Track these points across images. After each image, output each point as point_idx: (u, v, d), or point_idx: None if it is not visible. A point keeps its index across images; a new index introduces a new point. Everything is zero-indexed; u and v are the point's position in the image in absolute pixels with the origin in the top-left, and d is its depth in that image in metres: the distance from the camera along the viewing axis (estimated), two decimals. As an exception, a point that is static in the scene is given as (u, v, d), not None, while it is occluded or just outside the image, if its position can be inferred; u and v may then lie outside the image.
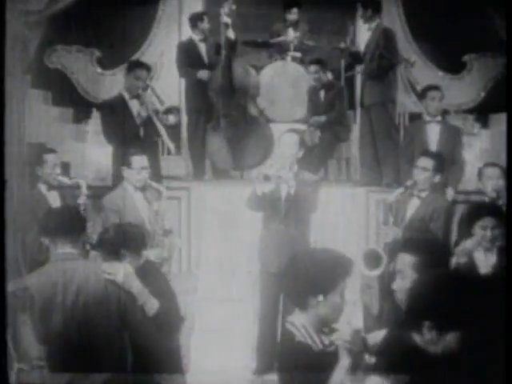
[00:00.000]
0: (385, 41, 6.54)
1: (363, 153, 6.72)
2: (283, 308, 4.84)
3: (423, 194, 5.21)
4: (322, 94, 7.04)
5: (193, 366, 4.77)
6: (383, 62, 6.50)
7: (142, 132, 6.05)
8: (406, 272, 2.83)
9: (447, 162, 6.03)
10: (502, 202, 5.19)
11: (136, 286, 3.29)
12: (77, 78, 7.38)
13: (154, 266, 4.38)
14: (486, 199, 5.30)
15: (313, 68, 7.00)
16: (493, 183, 5.27)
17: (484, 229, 4.39)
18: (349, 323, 2.71)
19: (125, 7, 7.28)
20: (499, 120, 7.06)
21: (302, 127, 6.83)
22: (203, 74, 6.92)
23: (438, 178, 5.25)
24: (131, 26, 7.43)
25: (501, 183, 5.23)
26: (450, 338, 2.39)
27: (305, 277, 2.65)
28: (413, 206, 5.18)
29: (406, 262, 2.85)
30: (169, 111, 6.14)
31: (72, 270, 3.26)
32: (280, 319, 4.99)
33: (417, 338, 2.42)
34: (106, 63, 7.46)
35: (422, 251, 2.88)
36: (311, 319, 2.67)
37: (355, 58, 6.91)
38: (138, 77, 6.16)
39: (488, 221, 4.41)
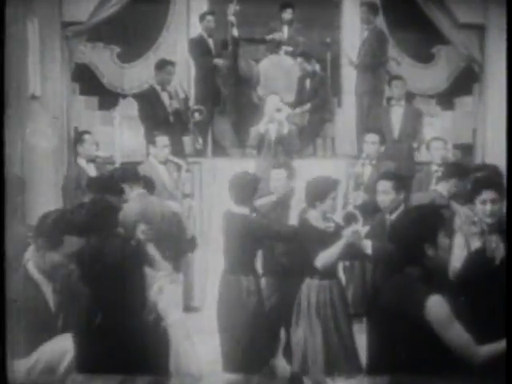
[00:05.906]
0: (378, 43, 7.64)
1: (359, 129, 7.65)
2: None
3: (374, 162, 6.15)
4: (308, 82, 7.99)
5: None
6: (375, 60, 7.58)
7: (171, 119, 7.06)
8: (388, 190, 4.73)
9: (410, 138, 7.16)
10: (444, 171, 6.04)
11: None
12: (101, 71, 8.27)
13: None
14: (434, 167, 6.27)
15: (299, 60, 8.02)
16: (438, 153, 6.31)
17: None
18: None
19: (138, 7, 8.27)
20: (463, 103, 8.11)
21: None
22: (219, 62, 7.82)
23: (382, 149, 6.19)
24: (145, 24, 8.36)
25: (444, 153, 6.31)
26: None
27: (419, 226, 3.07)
28: (367, 173, 6.13)
29: (387, 185, 4.74)
30: (196, 111, 7.22)
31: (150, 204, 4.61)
32: None
33: None
34: (126, 58, 8.32)
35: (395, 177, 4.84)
36: None
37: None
38: (168, 72, 7.16)
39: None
